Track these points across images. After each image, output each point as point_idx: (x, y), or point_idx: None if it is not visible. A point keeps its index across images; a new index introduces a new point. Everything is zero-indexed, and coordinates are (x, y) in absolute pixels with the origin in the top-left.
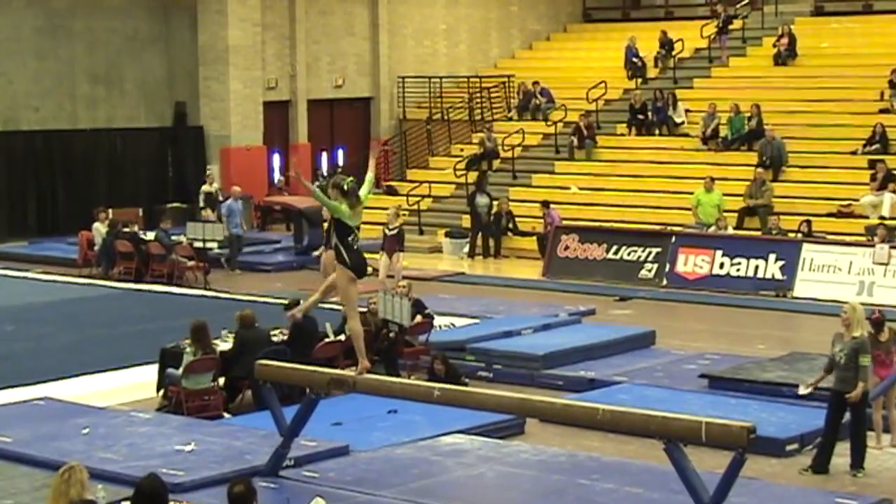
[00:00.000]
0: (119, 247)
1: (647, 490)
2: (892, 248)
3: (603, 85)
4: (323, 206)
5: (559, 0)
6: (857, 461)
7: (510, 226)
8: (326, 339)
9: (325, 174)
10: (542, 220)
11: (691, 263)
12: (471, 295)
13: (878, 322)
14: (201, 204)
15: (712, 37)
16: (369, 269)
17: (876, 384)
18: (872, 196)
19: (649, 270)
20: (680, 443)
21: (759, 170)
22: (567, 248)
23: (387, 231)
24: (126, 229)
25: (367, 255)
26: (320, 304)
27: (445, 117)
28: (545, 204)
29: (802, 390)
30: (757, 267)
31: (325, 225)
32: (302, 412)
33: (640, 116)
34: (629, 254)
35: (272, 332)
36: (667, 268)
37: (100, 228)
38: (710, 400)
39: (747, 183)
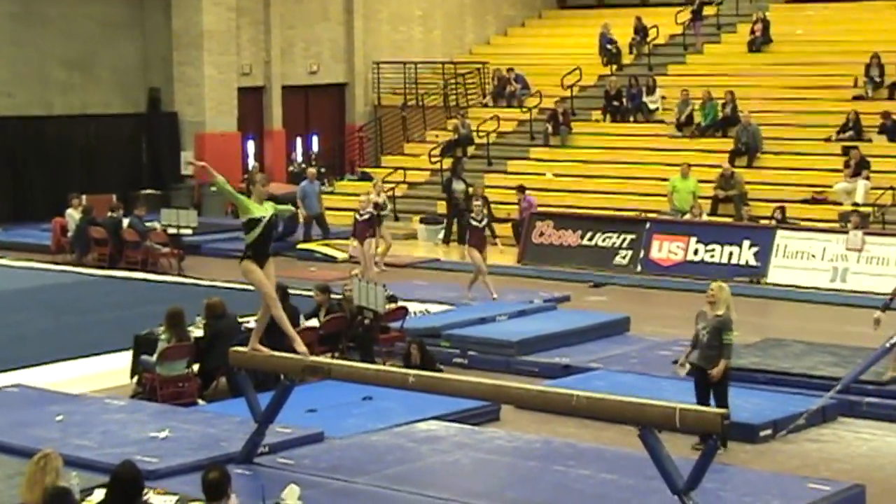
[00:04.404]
0: (93, 233)
1: (622, 476)
2: (865, 234)
3: (578, 71)
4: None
5: None
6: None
7: (485, 211)
8: (302, 326)
9: (299, 160)
10: (517, 206)
11: (666, 250)
12: (446, 281)
13: None
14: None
15: (687, 23)
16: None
17: None
18: (846, 183)
19: (624, 257)
20: (654, 429)
21: (726, 164)
22: (542, 234)
23: (357, 217)
24: (112, 214)
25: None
26: (302, 292)
27: (420, 103)
28: (521, 189)
29: (680, 371)
30: (731, 253)
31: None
32: (276, 399)
33: (615, 103)
34: (604, 240)
35: (241, 320)
36: (641, 254)
37: (73, 215)
38: (684, 386)
39: (719, 171)
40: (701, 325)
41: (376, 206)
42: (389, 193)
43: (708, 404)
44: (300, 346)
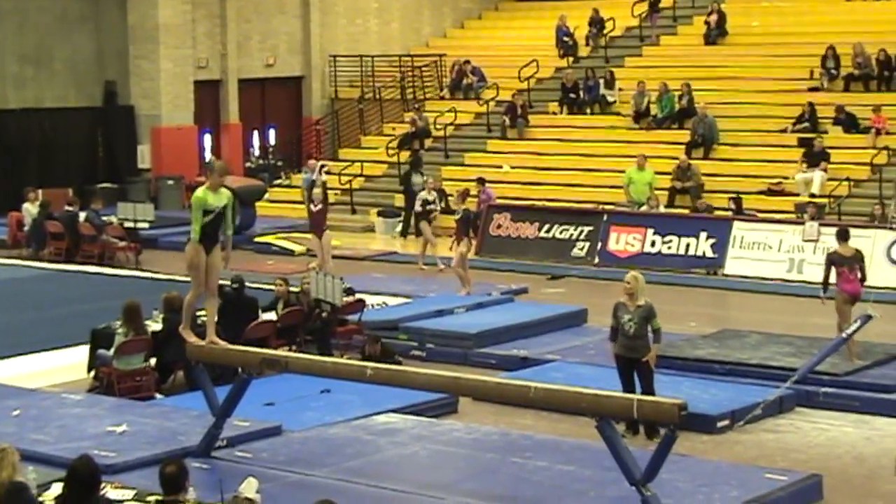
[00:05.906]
0: (49, 227)
1: (580, 467)
2: (821, 225)
3: (535, 64)
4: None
5: None
6: (657, 430)
7: (442, 204)
8: (260, 319)
9: (257, 154)
10: (476, 198)
11: (623, 242)
12: (403, 274)
13: (845, 232)
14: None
15: (643, 15)
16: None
17: (844, 299)
18: (804, 173)
19: (581, 249)
20: (612, 420)
21: (683, 156)
22: (499, 226)
23: (313, 209)
24: (68, 208)
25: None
26: (260, 286)
27: (377, 96)
28: (480, 181)
29: None
30: (688, 245)
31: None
32: (234, 392)
33: (572, 95)
34: (561, 232)
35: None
36: (598, 246)
37: (30, 209)
38: None
39: (675, 162)
40: (625, 317)
41: (425, 202)
42: (347, 186)
43: (634, 391)
44: (190, 336)
